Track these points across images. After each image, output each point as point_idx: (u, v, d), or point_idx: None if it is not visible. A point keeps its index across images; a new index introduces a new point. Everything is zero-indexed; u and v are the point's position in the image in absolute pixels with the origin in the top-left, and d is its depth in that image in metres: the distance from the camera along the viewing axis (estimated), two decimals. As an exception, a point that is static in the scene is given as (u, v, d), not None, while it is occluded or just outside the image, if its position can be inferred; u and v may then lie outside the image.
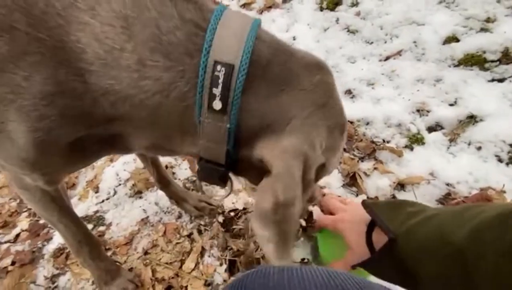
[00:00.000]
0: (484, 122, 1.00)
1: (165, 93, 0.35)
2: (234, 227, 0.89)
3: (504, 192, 0.81)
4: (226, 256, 0.83)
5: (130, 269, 0.85)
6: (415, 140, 1.02)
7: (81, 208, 1.02)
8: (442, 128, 1.05)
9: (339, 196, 0.90)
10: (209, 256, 0.85)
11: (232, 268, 0.82)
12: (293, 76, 0.36)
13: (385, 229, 0.47)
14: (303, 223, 0.83)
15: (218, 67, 0.33)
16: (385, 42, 1.37)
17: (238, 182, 1.02)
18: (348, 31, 1.47)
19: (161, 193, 0.96)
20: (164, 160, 1.09)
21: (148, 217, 0.97)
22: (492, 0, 1.27)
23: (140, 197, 1.02)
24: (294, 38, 1.52)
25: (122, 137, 0.42)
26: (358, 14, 1.51)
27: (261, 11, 1.75)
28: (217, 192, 1.00)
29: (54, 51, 0.34)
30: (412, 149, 1.01)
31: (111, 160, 1.14)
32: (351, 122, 1.12)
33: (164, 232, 0.92)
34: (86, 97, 0.37)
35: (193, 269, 0.83)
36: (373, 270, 0.52)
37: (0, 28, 0.33)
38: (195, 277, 0.81)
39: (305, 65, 0.37)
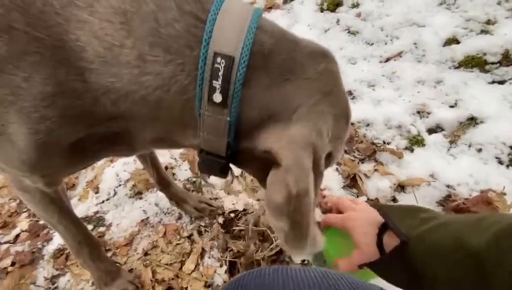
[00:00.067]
0: (485, 124, 1.00)
1: (166, 88, 0.35)
2: (234, 228, 0.89)
3: (505, 194, 0.81)
4: (226, 257, 0.83)
5: (130, 270, 0.85)
6: (416, 141, 1.02)
7: (81, 209, 1.02)
8: (442, 129, 1.05)
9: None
10: (209, 257, 0.85)
11: (232, 269, 0.82)
12: (297, 65, 0.35)
13: (397, 232, 0.47)
14: None
15: (218, 59, 0.33)
16: (386, 44, 1.37)
17: (238, 183, 1.02)
18: (348, 32, 1.47)
19: (161, 194, 0.96)
20: (164, 161, 1.09)
21: (148, 218, 0.97)
22: (493, 2, 1.27)
23: (140, 198, 1.02)
24: (294, 39, 1.52)
25: (124, 135, 0.42)
26: (358, 15, 1.51)
27: (261, 12, 1.75)
28: (217, 194, 1.00)
29: (53, 51, 0.34)
30: (412, 150, 1.01)
31: (111, 161, 1.14)
32: (352, 124, 1.12)
33: (164, 233, 0.92)
34: (86, 96, 0.36)
35: (193, 270, 0.83)
36: (381, 272, 0.52)
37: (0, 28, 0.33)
38: (195, 278, 0.81)
39: (309, 54, 0.36)
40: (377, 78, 1.24)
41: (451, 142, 1.00)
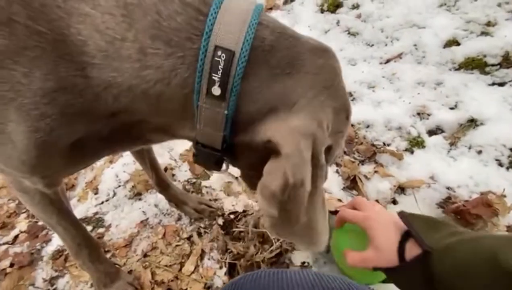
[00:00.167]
0: (485, 126, 1.00)
1: (166, 81, 0.34)
2: (234, 229, 0.89)
3: (505, 196, 0.81)
4: (226, 259, 0.83)
5: (130, 272, 0.84)
6: (416, 143, 1.02)
7: (80, 210, 1.02)
8: (442, 131, 1.05)
9: (339, 200, 0.90)
10: (208, 259, 0.85)
11: (232, 271, 0.82)
12: (297, 60, 0.35)
13: (420, 242, 0.48)
14: None
15: (219, 53, 0.32)
16: (386, 45, 1.37)
17: (238, 184, 1.02)
18: (348, 33, 1.47)
19: (160, 195, 0.96)
20: (163, 161, 1.09)
21: (147, 219, 0.96)
22: (493, 4, 1.27)
23: (140, 199, 1.02)
24: (294, 40, 1.52)
25: (123, 130, 0.42)
26: (358, 16, 1.51)
27: (261, 13, 1.75)
28: (217, 195, 1.00)
29: (55, 45, 0.33)
30: (412, 152, 1.01)
31: (111, 161, 1.14)
32: (352, 125, 1.12)
33: (164, 235, 0.92)
34: (87, 92, 0.36)
35: (193, 272, 0.83)
36: (397, 279, 0.52)
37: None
38: (195, 280, 0.81)
39: (310, 49, 0.36)
40: (377, 80, 1.24)
41: (451, 144, 1.00)
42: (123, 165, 1.11)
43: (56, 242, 0.93)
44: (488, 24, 1.23)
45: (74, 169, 0.56)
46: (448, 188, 0.90)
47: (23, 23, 0.32)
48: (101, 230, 0.96)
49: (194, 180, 1.05)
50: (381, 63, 1.32)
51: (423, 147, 1.01)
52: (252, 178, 0.41)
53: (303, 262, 0.79)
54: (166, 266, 0.85)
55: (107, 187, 1.07)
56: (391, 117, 1.10)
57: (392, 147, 1.03)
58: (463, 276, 0.43)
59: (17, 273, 0.89)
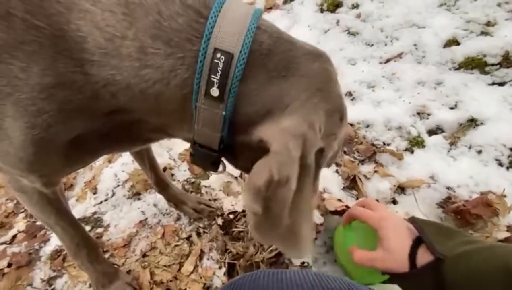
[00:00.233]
0: (485, 126, 1.00)
1: (166, 81, 0.35)
2: (233, 229, 0.89)
3: (505, 196, 0.81)
4: (225, 259, 0.83)
5: (128, 272, 0.84)
6: (416, 143, 1.02)
7: (79, 209, 1.01)
8: (442, 131, 1.05)
9: (339, 200, 0.89)
10: (208, 259, 0.84)
11: (231, 271, 0.82)
12: (293, 64, 0.36)
13: (432, 249, 0.49)
14: None
15: (218, 55, 0.33)
16: (386, 45, 1.37)
17: (237, 184, 1.01)
18: (348, 33, 1.47)
19: (159, 195, 0.95)
20: (162, 161, 1.08)
21: (146, 219, 0.96)
22: (493, 4, 1.27)
23: (139, 199, 1.02)
24: (294, 40, 1.52)
25: (122, 129, 0.42)
26: (358, 16, 1.51)
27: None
28: (216, 195, 1.00)
29: (53, 40, 0.33)
30: (412, 152, 1.01)
31: (110, 161, 1.14)
32: (351, 125, 1.12)
33: (163, 235, 0.91)
34: (86, 89, 0.36)
35: (192, 272, 0.82)
36: (407, 284, 0.52)
37: None
38: (194, 280, 0.80)
39: (304, 53, 0.37)
40: (377, 79, 1.24)
41: (451, 144, 1.00)
42: (122, 164, 1.11)
43: (54, 242, 0.93)
44: (488, 24, 1.23)
45: (72, 168, 0.56)
46: (448, 188, 0.89)
47: (21, 17, 0.32)
48: (99, 230, 0.95)
49: (193, 180, 1.05)
50: (381, 63, 1.31)
51: (423, 147, 1.01)
52: None
53: (303, 262, 0.79)
54: (165, 266, 0.84)
55: (106, 187, 1.06)
56: (391, 117, 1.10)
57: (392, 146, 1.03)
58: (476, 284, 0.43)
59: (15, 273, 0.88)
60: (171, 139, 0.47)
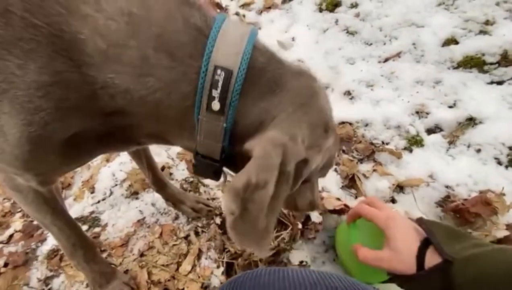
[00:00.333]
0: (483, 125, 1.00)
1: (167, 91, 0.37)
2: (231, 229, 0.88)
3: (504, 195, 0.81)
4: (223, 258, 0.82)
5: (126, 271, 0.83)
6: (414, 142, 1.02)
7: (76, 209, 1.00)
8: (441, 130, 1.05)
9: (338, 199, 0.89)
10: (206, 259, 0.84)
11: (229, 270, 0.81)
12: (281, 81, 0.39)
13: (440, 251, 0.48)
14: (300, 226, 0.82)
15: (218, 71, 0.36)
16: (384, 44, 1.36)
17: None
18: (347, 32, 1.47)
19: (158, 194, 0.95)
20: (161, 160, 1.08)
21: (144, 218, 0.95)
22: (491, 3, 1.27)
23: (137, 198, 1.01)
24: (293, 39, 1.51)
25: (119, 130, 0.42)
26: (357, 15, 1.51)
27: (260, 12, 1.74)
28: (215, 194, 0.99)
29: (51, 40, 0.33)
30: (411, 151, 1.01)
31: (107, 160, 1.13)
32: (350, 124, 1.11)
33: (161, 234, 0.91)
34: (83, 89, 0.36)
35: (190, 272, 0.82)
36: (414, 286, 0.52)
37: None
38: (192, 280, 0.80)
39: (291, 72, 0.41)
40: (375, 78, 1.24)
41: (450, 143, 1.00)
42: (120, 164, 1.10)
43: (51, 241, 0.92)
44: (487, 23, 1.23)
45: (68, 167, 0.55)
46: (447, 186, 0.89)
47: (19, 15, 0.32)
48: (97, 229, 0.95)
49: (191, 179, 1.05)
50: (379, 62, 1.31)
51: (422, 145, 1.01)
52: None
53: (301, 261, 0.78)
54: (163, 265, 0.84)
55: (104, 186, 1.05)
56: (389, 116, 1.10)
57: (391, 145, 1.03)
58: (487, 287, 0.43)
59: (11, 273, 0.88)
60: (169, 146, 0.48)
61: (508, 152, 0.93)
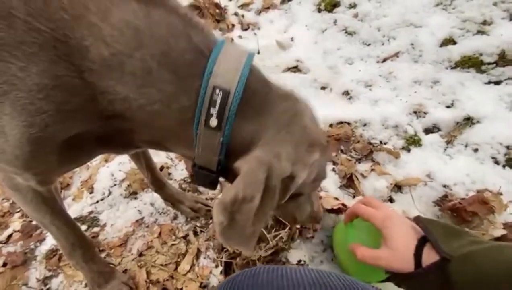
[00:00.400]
0: (481, 124, 1.00)
1: (167, 104, 0.39)
2: (230, 228, 0.89)
3: (501, 194, 0.81)
4: (222, 258, 0.83)
5: (125, 271, 0.84)
6: (412, 141, 1.02)
7: (75, 209, 1.01)
8: (439, 129, 1.05)
9: (336, 198, 0.89)
10: (204, 258, 0.84)
11: (228, 270, 0.81)
12: (269, 104, 0.43)
13: (438, 248, 0.49)
14: (298, 225, 0.83)
15: (217, 91, 0.38)
16: (383, 44, 1.37)
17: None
18: (346, 32, 1.47)
19: (156, 193, 0.95)
20: (159, 160, 1.08)
21: (143, 218, 0.96)
22: (489, 3, 1.27)
23: (135, 198, 1.01)
24: (292, 39, 1.52)
25: (118, 134, 0.44)
26: (356, 16, 1.51)
27: (259, 12, 1.74)
28: (213, 194, 0.99)
29: (54, 44, 0.34)
30: (409, 150, 1.01)
31: (106, 160, 1.13)
32: (349, 123, 1.12)
33: (160, 234, 0.91)
34: (84, 93, 0.37)
35: (189, 271, 0.82)
36: (412, 284, 0.53)
37: None
38: (191, 279, 0.80)
39: (278, 95, 0.44)
40: (374, 78, 1.24)
41: (447, 142, 1.00)
42: (118, 164, 1.10)
43: (50, 241, 0.92)
44: (484, 23, 1.23)
45: (68, 167, 0.56)
46: (444, 186, 0.90)
47: (22, 19, 0.33)
48: (96, 229, 0.95)
49: (190, 179, 1.05)
50: (378, 62, 1.32)
51: (420, 145, 1.01)
52: None
53: (299, 261, 0.79)
54: (161, 265, 0.84)
55: (103, 186, 1.06)
56: (388, 116, 1.10)
57: (388, 145, 1.03)
58: (484, 285, 0.43)
59: (10, 273, 0.88)
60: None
61: (505, 151, 0.93)
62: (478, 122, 1.01)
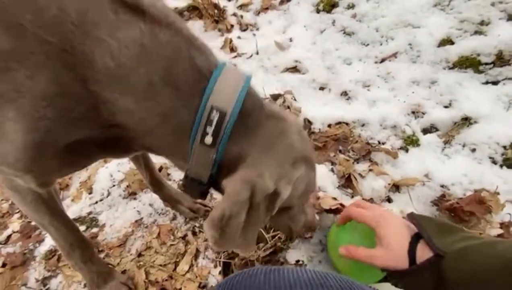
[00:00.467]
0: (479, 124, 1.00)
1: (167, 117, 0.42)
2: (229, 228, 0.89)
3: (498, 193, 0.82)
4: (220, 258, 0.83)
5: (123, 272, 0.84)
6: (410, 141, 1.03)
7: (74, 209, 1.01)
8: (437, 130, 1.06)
9: (334, 198, 0.90)
10: (203, 258, 0.84)
11: (226, 270, 0.82)
12: (257, 125, 0.46)
13: (432, 245, 0.49)
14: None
15: (214, 112, 0.41)
16: (381, 44, 1.37)
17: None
18: (344, 33, 1.47)
19: (155, 194, 0.95)
20: (158, 161, 1.08)
21: (142, 218, 0.96)
22: (487, 4, 1.28)
23: (134, 198, 1.02)
24: (290, 40, 1.52)
25: (120, 140, 0.45)
26: (354, 16, 1.52)
27: (258, 13, 1.75)
28: (212, 194, 1.00)
29: (61, 55, 0.36)
30: (407, 150, 1.01)
31: (105, 161, 1.13)
32: (347, 124, 1.12)
33: (158, 234, 0.91)
34: (88, 102, 0.39)
35: (187, 271, 0.82)
36: (407, 281, 0.53)
37: (9, 24, 0.34)
38: (189, 279, 0.80)
39: (267, 116, 0.47)
40: (372, 79, 1.25)
41: (445, 142, 1.01)
42: (117, 164, 1.11)
43: (49, 242, 0.93)
44: (482, 23, 1.24)
45: (68, 170, 0.57)
46: (442, 186, 0.90)
47: (32, 30, 0.34)
48: (95, 230, 0.95)
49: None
50: (376, 62, 1.32)
51: (418, 145, 1.02)
52: None
53: (298, 261, 0.79)
54: (160, 265, 0.84)
55: (102, 187, 1.06)
56: (386, 116, 1.10)
57: (387, 145, 1.03)
58: (478, 281, 0.43)
59: (9, 273, 0.88)
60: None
61: (503, 151, 0.94)
62: (475, 122, 1.02)
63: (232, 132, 0.43)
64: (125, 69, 0.38)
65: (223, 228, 0.42)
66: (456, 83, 1.13)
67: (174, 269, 0.83)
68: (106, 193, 1.04)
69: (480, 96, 1.07)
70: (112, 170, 1.09)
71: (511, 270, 0.40)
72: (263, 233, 0.82)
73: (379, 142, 1.05)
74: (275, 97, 1.20)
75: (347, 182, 0.95)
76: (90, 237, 0.92)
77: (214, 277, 0.80)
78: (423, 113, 1.09)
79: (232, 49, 1.54)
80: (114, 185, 1.06)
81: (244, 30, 1.67)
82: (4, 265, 0.90)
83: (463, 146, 0.98)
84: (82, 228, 0.95)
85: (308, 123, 1.13)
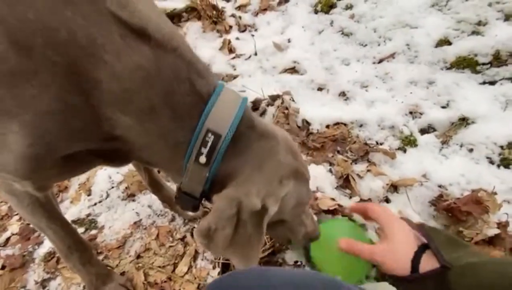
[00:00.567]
0: (476, 124, 1.01)
1: (164, 137, 0.44)
2: (227, 230, 0.89)
3: (495, 193, 0.82)
4: (219, 259, 0.83)
5: (122, 273, 0.84)
6: (408, 142, 1.03)
7: (73, 211, 1.01)
8: (434, 130, 1.06)
9: (332, 199, 0.90)
10: (202, 260, 0.84)
11: (225, 271, 0.82)
12: (248, 145, 0.48)
13: (439, 257, 0.50)
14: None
15: (209, 134, 0.44)
16: (379, 45, 1.38)
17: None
18: (342, 33, 1.48)
19: (154, 196, 0.95)
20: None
21: (141, 220, 0.96)
22: (484, 4, 1.28)
23: (133, 200, 1.02)
24: (289, 40, 1.53)
25: (118, 152, 0.48)
26: (352, 17, 1.52)
27: (256, 13, 1.75)
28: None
29: (67, 75, 0.37)
30: (405, 151, 1.02)
31: (104, 163, 1.14)
32: (345, 124, 1.12)
33: (157, 235, 0.91)
34: (89, 118, 0.40)
35: (186, 273, 0.82)
36: (409, 287, 0.53)
37: (21, 45, 0.35)
38: (188, 281, 0.81)
39: (258, 136, 0.49)
40: (370, 79, 1.25)
41: (443, 142, 1.01)
42: (116, 166, 1.11)
43: (48, 244, 0.93)
44: (479, 23, 1.24)
45: (66, 176, 0.59)
46: (440, 186, 0.90)
47: (42, 52, 0.36)
48: (94, 231, 0.95)
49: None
50: (374, 63, 1.33)
51: (416, 145, 1.02)
52: None
53: (296, 261, 0.79)
54: (159, 267, 0.84)
55: (100, 189, 1.06)
56: (384, 116, 1.11)
57: (385, 146, 1.04)
58: None
59: (8, 276, 0.88)
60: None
61: (500, 151, 0.94)
62: (473, 122, 1.02)
63: (225, 153, 0.45)
64: (128, 92, 0.40)
65: (211, 237, 0.45)
66: (454, 83, 1.14)
67: (173, 271, 0.83)
68: (105, 195, 1.04)
69: (477, 96, 1.07)
70: (111, 172, 1.09)
71: None
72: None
73: (377, 143, 1.05)
74: (274, 98, 1.21)
75: (345, 182, 0.95)
76: (89, 239, 0.92)
77: (213, 278, 0.81)
78: (421, 114, 1.10)
79: (231, 50, 1.54)
80: (113, 187, 1.06)
81: (243, 31, 1.67)
82: (3, 267, 0.90)
83: (461, 146, 0.98)
84: (81, 230, 0.95)
85: (306, 123, 1.13)
